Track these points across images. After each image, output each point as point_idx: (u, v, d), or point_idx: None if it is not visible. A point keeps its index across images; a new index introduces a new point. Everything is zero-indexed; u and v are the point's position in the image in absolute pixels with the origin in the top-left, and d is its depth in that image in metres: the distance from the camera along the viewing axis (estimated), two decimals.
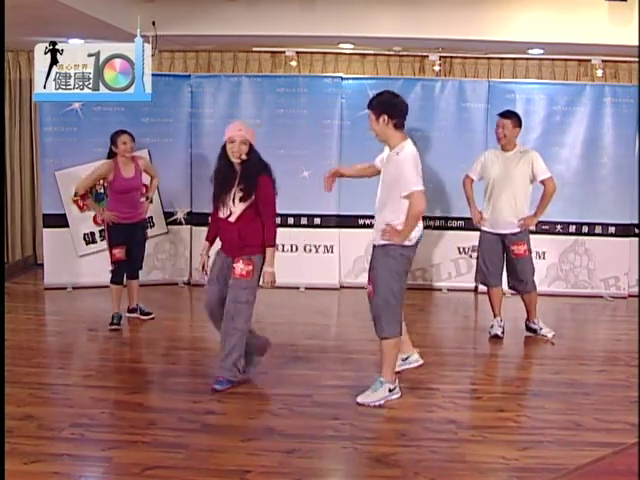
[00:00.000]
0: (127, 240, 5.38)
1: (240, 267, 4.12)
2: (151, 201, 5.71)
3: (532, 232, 5.35)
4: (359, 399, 3.99)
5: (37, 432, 3.54)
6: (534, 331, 5.28)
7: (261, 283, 4.20)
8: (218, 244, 4.33)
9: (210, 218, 4.41)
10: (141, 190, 5.54)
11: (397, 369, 4.29)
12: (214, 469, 3.20)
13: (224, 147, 4.07)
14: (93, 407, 3.90)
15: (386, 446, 3.50)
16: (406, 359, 4.43)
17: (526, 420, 3.83)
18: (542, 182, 5.09)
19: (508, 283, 5.32)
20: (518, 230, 5.10)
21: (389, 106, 3.90)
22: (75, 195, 6.57)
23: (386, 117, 3.86)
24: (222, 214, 4.18)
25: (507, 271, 5.25)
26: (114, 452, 3.35)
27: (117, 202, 5.35)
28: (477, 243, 6.75)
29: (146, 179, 5.66)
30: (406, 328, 4.38)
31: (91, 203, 5.72)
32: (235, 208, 4.11)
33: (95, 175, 5.39)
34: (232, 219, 4.12)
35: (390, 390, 4.00)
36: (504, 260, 5.22)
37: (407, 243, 3.92)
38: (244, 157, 4.01)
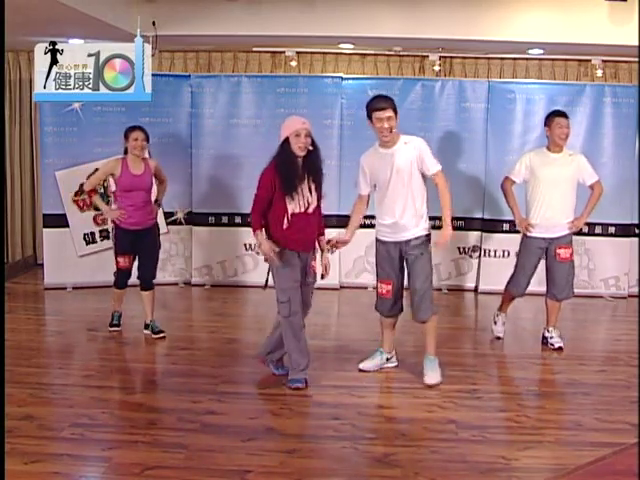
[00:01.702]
0: (135, 248, 5.14)
1: (314, 263, 4.31)
2: (159, 206, 5.45)
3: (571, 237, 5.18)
4: (431, 382, 4.23)
5: (37, 432, 3.54)
6: (545, 338, 5.17)
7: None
8: None
9: (257, 213, 4.14)
10: (151, 193, 5.24)
11: (374, 368, 4.46)
12: (214, 469, 3.20)
13: (286, 142, 4.08)
14: (93, 407, 3.90)
15: (386, 446, 3.51)
16: (389, 359, 4.56)
17: (526, 420, 3.82)
18: (590, 186, 5.05)
19: (549, 292, 5.10)
20: (567, 233, 5.00)
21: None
22: (76, 195, 6.59)
23: (398, 116, 4.20)
24: (297, 208, 4.13)
25: (548, 279, 5.08)
26: (114, 452, 3.35)
27: (124, 203, 5.08)
28: (478, 243, 6.84)
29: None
30: (393, 330, 4.53)
31: (98, 200, 5.42)
32: (312, 199, 4.18)
33: (102, 171, 5.18)
34: (311, 210, 4.19)
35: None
36: (536, 269, 5.10)
37: (428, 231, 4.31)
38: (310, 148, 4.11)
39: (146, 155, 5.27)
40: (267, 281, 4.24)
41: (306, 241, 4.20)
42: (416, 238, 4.26)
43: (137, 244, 5.14)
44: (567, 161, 4.97)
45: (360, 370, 4.48)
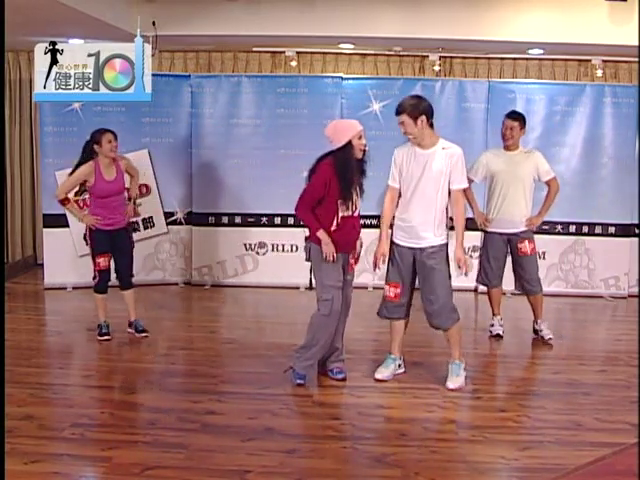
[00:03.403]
0: (111, 248, 5.13)
1: (352, 261, 4.32)
2: (134, 202, 5.46)
3: (532, 232, 5.34)
4: (452, 386, 4.20)
5: (37, 432, 3.54)
6: (537, 332, 5.27)
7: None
8: None
9: (308, 211, 4.14)
10: (124, 194, 5.24)
11: (391, 376, 4.37)
12: (214, 469, 3.20)
13: (348, 146, 4.06)
14: (93, 407, 3.91)
15: (386, 446, 3.51)
16: (399, 365, 4.47)
17: (526, 420, 3.83)
18: (547, 183, 5.16)
19: (515, 285, 5.26)
20: (525, 229, 5.12)
21: (425, 108, 4.09)
22: (76, 195, 6.53)
23: (424, 119, 4.05)
24: (347, 212, 4.14)
25: (514, 272, 5.21)
26: (114, 452, 3.34)
27: (99, 207, 5.07)
28: (478, 243, 6.83)
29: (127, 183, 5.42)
30: (403, 334, 4.45)
31: (72, 208, 5.29)
32: (358, 202, 4.22)
33: (75, 178, 5.11)
34: (356, 213, 4.22)
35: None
36: (506, 261, 5.22)
37: (447, 240, 4.23)
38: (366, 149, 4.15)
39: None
40: (311, 281, 4.27)
41: (350, 243, 4.24)
42: (432, 247, 4.16)
43: (113, 243, 5.13)
44: (522, 159, 5.10)
45: (377, 380, 4.34)
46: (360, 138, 4.09)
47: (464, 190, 5.14)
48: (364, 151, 4.12)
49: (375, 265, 4.31)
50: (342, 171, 4.06)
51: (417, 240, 4.17)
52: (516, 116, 5.15)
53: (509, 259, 5.25)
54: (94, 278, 5.17)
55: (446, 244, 4.23)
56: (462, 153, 4.14)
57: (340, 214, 4.12)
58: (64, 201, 5.13)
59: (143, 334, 5.28)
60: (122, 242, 5.18)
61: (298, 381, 4.22)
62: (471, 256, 6.90)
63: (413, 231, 4.18)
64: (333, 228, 4.12)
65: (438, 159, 4.09)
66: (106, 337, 5.17)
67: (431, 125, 4.10)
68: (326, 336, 4.18)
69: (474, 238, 6.84)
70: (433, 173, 4.09)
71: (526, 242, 5.12)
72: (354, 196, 4.15)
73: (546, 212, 5.22)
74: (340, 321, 4.29)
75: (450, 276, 4.25)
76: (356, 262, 4.38)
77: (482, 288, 6.74)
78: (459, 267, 4.19)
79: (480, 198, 5.36)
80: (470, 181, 5.17)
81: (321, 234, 4.10)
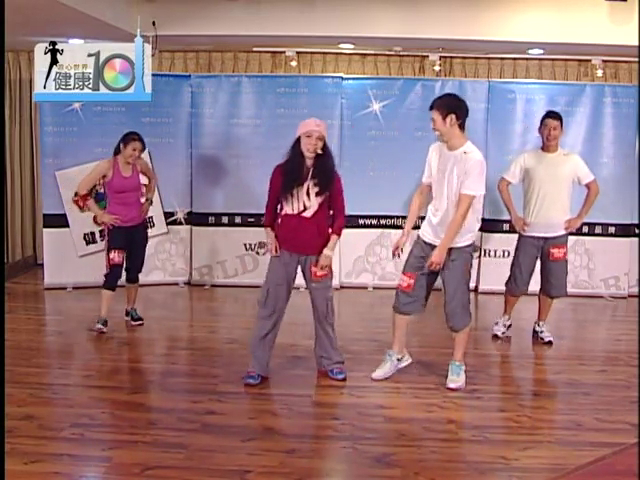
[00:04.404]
0: (127, 244, 5.27)
1: (314, 268, 4.21)
2: (151, 202, 5.60)
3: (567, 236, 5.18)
4: (452, 386, 4.21)
5: (37, 432, 3.54)
6: (536, 333, 5.26)
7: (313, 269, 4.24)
8: None
9: (266, 208, 4.28)
10: (140, 191, 5.42)
11: (390, 371, 4.37)
12: (214, 469, 3.20)
13: (297, 141, 4.10)
14: (93, 407, 3.90)
15: (386, 446, 3.51)
16: (401, 359, 4.45)
17: (526, 420, 3.82)
18: (586, 185, 5.03)
19: (543, 289, 5.15)
20: (563, 233, 5.01)
21: (456, 107, 4.08)
22: (76, 195, 6.59)
23: (453, 117, 4.03)
24: (292, 209, 4.13)
25: (542, 276, 5.10)
26: (114, 452, 3.35)
27: (116, 204, 5.23)
28: (478, 244, 6.83)
29: (143, 181, 5.57)
30: (405, 330, 4.42)
31: (92, 205, 5.39)
32: (310, 203, 4.13)
33: (95, 173, 5.27)
34: (308, 214, 4.14)
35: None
36: (535, 266, 5.11)
37: (469, 242, 4.18)
38: (319, 152, 4.08)
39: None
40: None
41: (298, 244, 4.18)
42: (450, 248, 4.11)
43: (131, 239, 5.28)
44: (561, 160, 4.99)
45: (373, 379, 4.34)
46: (309, 137, 4.05)
47: (500, 191, 5.14)
48: (318, 153, 4.07)
49: (393, 254, 4.33)
50: (284, 167, 4.13)
51: (435, 238, 4.16)
52: (558, 116, 5.01)
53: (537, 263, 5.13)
54: (105, 275, 5.28)
55: (469, 245, 4.18)
56: (481, 160, 4.05)
57: (283, 212, 4.16)
58: (85, 197, 5.26)
59: (138, 322, 5.47)
60: (138, 238, 5.37)
61: (247, 380, 4.23)
62: (471, 256, 6.88)
63: (433, 229, 4.18)
64: (279, 224, 4.22)
65: (458, 163, 4.04)
66: (101, 329, 5.19)
67: (462, 126, 4.08)
68: (257, 327, 4.27)
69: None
70: (452, 177, 4.06)
71: (560, 248, 4.99)
72: (299, 195, 4.10)
73: (586, 214, 5.09)
74: (318, 328, 4.33)
75: (468, 279, 4.26)
76: (321, 271, 4.19)
77: (482, 287, 6.78)
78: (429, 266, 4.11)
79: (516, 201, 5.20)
80: (508, 183, 5.11)
81: (266, 231, 4.26)
